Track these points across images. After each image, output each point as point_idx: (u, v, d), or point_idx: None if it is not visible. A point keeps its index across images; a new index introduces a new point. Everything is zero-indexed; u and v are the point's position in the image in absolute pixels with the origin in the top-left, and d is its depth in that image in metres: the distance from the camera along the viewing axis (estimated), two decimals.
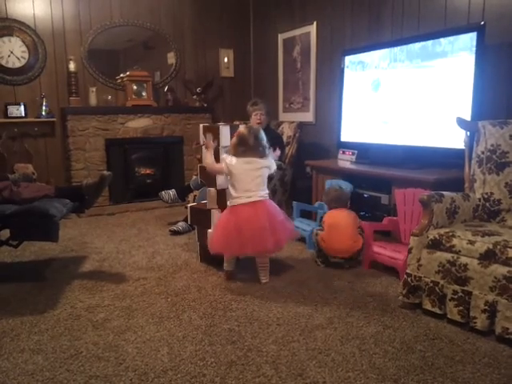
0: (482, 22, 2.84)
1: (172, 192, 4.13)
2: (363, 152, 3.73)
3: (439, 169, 3.05)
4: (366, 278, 2.72)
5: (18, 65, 4.42)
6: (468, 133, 2.64)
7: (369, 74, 3.67)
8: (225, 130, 2.79)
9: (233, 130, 2.77)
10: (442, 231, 2.21)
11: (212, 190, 2.82)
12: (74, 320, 2.20)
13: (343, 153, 3.94)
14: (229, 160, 2.56)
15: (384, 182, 3.18)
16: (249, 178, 2.54)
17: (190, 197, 4.08)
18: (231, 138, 2.70)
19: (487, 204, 2.47)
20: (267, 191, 2.63)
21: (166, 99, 5.10)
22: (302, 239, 3.42)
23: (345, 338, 2.00)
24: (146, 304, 2.38)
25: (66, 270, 2.93)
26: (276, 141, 4.24)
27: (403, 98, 3.38)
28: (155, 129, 4.94)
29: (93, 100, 4.69)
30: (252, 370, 1.76)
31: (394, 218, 2.93)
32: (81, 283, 2.68)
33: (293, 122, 4.59)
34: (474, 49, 2.85)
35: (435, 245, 2.19)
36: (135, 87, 4.82)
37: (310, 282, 2.66)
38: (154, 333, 2.06)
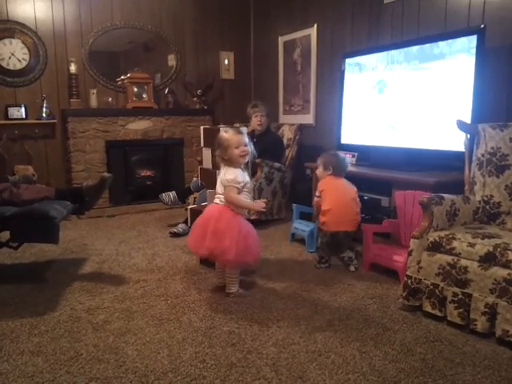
0: (482, 25, 2.85)
1: (172, 194, 4.13)
2: (363, 154, 3.74)
3: (439, 171, 3.05)
4: (365, 280, 2.72)
5: (18, 67, 4.42)
6: (468, 135, 2.64)
7: (369, 77, 3.68)
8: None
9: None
10: (442, 234, 2.21)
11: (212, 191, 2.82)
12: (73, 322, 2.20)
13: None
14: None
15: (384, 184, 3.18)
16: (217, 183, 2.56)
17: (190, 199, 4.09)
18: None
19: (487, 206, 2.47)
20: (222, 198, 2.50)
21: (167, 101, 5.11)
22: (301, 240, 3.42)
23: (345, 341, 1.99)
24: (145, 306, 2.38)
25: (66, 271, 2.93)
26: (274, 145, 4.26)
27: (403, 101, 3.38)
28: (155, 131, 4.95)
29: (93, 102, 4.69)
30: (252, 373, 1.75)
31: (394, 220, 2.93)
32: (81, 285, 2.68)
33: (293, 125, 4.60)
34: (474, 51, 2.85)
35: (435, 247, 2.19)
36: (136, 89, 4.82)
37: (310, 284, 2.66)
38: (154, 335, 2.06)
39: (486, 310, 1.97)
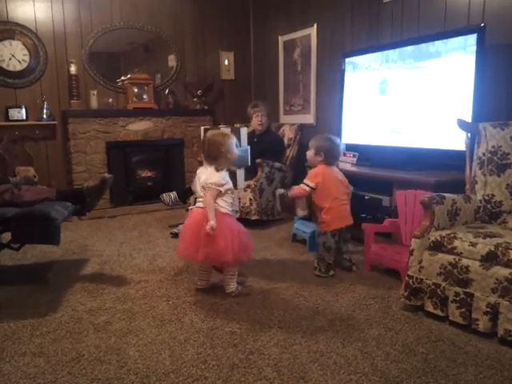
0: (482, 24, 2.85)
1: (173, 194, 4.13)
2: (364, 154, 3.73)
3: (440, 170, 3.05)
4: (367, 280, 2.72)
5: (19, 68, 4.42)
6: (469, 134, 2.64)
7: (369, 77, 3.67)
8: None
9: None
10: (443, 233, 2.21)
11: None
12: (75, 323, 2.20)
13: (344, 155, 3.93)
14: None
15: (385, 183, 3.18)
16: (197, 186, 2.48)
17: (191, 199, 4.08)
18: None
19: (488, 206, 2.47)
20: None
21: (167, 102, 5.11)
22: (302, 241, 3.42)
23: (346, 341, 1.99)
24: (147, 307, 2.38)
25: (67, 272, 2.93)
26: (275, 145, 4.26)
27: (404, 101, 3.38)
28: (156, 131, 4.95)
29: (94, 103, 4.69)
30: (254, 373, 1.75)
31: (395, 219, 2.92)
32: (82, 286, 2.68)
33: (293, 124, 4.60)
34: (474, 50, 2.85)
35: (437, 247, 2.19)
36: (136, 90, 4.82)
37: (311, 284, 2.66)
38: (156, 336, 2.06)
39: (488, 309, 1.97)
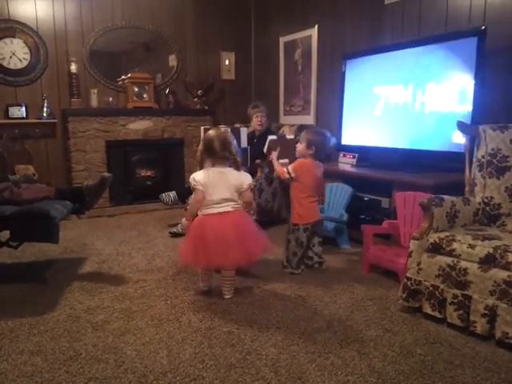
0: (483, 27, 2.85)
1: (172, 194, 4.13)
2: (364, 155, 3.74)
3: (439, 172, 3.05)
4: (365, 281, 2.72)
5: (19, 66, 4.43)
6: (468, 137, 2.64)
7: (369, 78, 3.67)
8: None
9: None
10: (442, 235, 2.21)
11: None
12: (73, 322, 2.20)
13: (344, 156, 3.94)
14: (198, 177, 2.38)
15: (384, 185, 3.18)
16: (217, 189, 2.35)
17: (191, 199, 4.08)
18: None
19: (487, 208, 2.47)
20: (238, 201, 2.42)
21: (167, 101, 5.11)
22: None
23: (344, 342, 1.99)
24: (145, 306, 2.38)
25: (65, 271, 2.93)
26: None
27: (404, 101, 3.38)
28: (156, 131, 4.95)
29: (94, 101, 4.69)
30: (251, 373, 1.75)
31: (394, 221, 2.92)
32: (80, 285, 2.68)
33: (293, 125, 4.60)
34: (475, 53, 2.85)
35: (435, 249, 2.19)
36: (136, 89, 4.82)
37: (310, 285, 2.66)
38: (154, 335, 2.06)
39: (486, 311, 1.97)
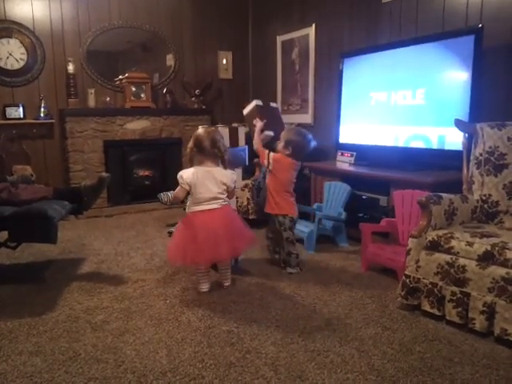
0: (480, 25, 2.86)
1: (170, 194, 4.12)
2: (362, 154, 3.74)
3: (437, 170, 3.06)
4: (364, 279, 2.72)
5: (16, 66, 4.41)
6: (466, 135, 2.65)
7: (367, 76, 3.68)
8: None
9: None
10: (440, 233, 2.21)
11: None
12: (72, 322, 2.20)
13: (342, 154, 3.94)
14: (185, 175, 2.44)
15: (382, 183, 3.19)
16: (206, 187, 2.43)
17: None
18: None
19: (485, 206, 2.47)
20: (225, 198, 2.51)
21: (165, 101, 5.10)
22: (300, 240, 3.42)
23: (344, 340, 2.00)
24: (144, 306, 2.38)
25: (64, 271, 2.92)
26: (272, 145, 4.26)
27: (402, 100, 3.39)
28: (154, 130, 4.94)
29: (91, 101, 4.69)
30: (251, 372, 1.75)
31: (393, 219, 2.93)
32: (79, 285, 2.67)
33: (291, 124, 4.59)
34: (472, 51, 2.86)
35: (434, 246, 2.20)
36: (134, 89, 4.82)
37: (309, 283, 2.66)
38: (153, 335, 2.06)
39: (485, 308, 1.98)
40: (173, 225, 3.87)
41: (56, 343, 1.99)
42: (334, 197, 3.46)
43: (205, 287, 2.55)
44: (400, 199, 2.86)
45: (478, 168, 2.55)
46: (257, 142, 2.87)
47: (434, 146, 3.13)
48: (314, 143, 2.89)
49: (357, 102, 3.80)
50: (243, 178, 3.37)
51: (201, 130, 2.54)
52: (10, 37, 4.35)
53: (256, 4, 5.50)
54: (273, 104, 3.31)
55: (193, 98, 5.22)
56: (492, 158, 2.49)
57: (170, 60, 5.22)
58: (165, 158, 5.12)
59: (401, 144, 3.40)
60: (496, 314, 1.94)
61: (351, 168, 3.63)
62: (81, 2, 4.64)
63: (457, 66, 2.99)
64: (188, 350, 1.92)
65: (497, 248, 1.98)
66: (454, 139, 2.88)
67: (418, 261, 2.25)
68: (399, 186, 2.95)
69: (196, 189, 2.44)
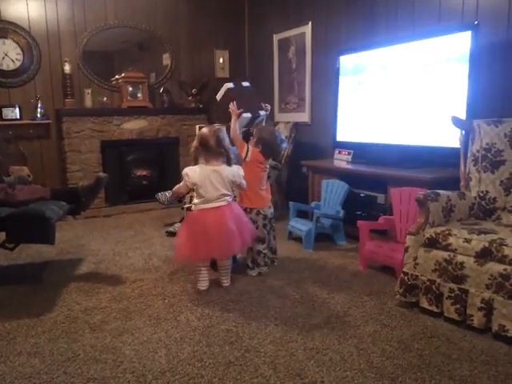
0: (477, 22, 2.86)
1: (168, 193, 4.12)
2: (359, 152, 3.74)
3: (435, 168, 3.06)
4: (362, 277, 2.73)
5: (12, 67, 4.40)
6: (463, 132, 2.65)
7: (363, 74, 3.68)
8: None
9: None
10: (438, 230, 2.21)
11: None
12: (70, 322, 2.20)
13: (339, 153, 3.94)
14: (191, 174, 2.48)
15: (380, 181, 3.19)
16: (213, 186, 2.46)
17: (187, 198, 4.08)
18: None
19: (483, 202, 2.48)
20: (232, 195, 2.57)
21: (162, 100, 5.10)
22: (298, 239, 3.42)
23: (342, 338, 2.00)
24: (143, 306, 2.37)
25: (62, 272, 2.92)
26: None
27: (398, 97, 3.39)
28: (151, 130, 4.94)
29: (88, 102, 4.68)
30: (250, 371, 1.76)
31: (390, 217, 2.93)
32: (77, 285, 2.67)
33: (288, 123, 4.60)
34: (469, 47, 2.86)
35: (432, 243, 2.20)
36: (130, 89, 4.81)
37: (307, 281, 2.67)
38: (152, 334, 2.06)
39: (483, 305, 1.98)
40: (171, 224, 3.87)
41: (54, 344, 1.99)
42: (331, 195, 3.46)
43: (204, 285, 2.56)
44: (398, 197, 2.86)
45: (475, 165, 2.55)
46: (234, 130, 2.80)
47: (431, 143, 3.13)
48: (285, 144, 2.95)
49: (354, 99, 3.80)
50: None
51: (205, 129, 2.55)
52: (6, 37, 4.34)
53: (252, 2, 5.49)
54: (244, 83, 3.16)
55: (189, 98, 5.21)
56: (489, 155, 2.50)
57: (166, 59, 5.21)
58: (162, 158, 5.12)
59: (398, 142, 3.39)
60: (494, 310, 1.95)
61: (349, 166, 3.63)
62: (76, 1, 4.62)
63: (453, 63, 2.98)
64: (187, 349, 1.92)
65: (494, 245, 1.98)
66: (451, 136, 2.88)
67: (415, 258, 2.25)
68: (397, 184, 2.95)
69: (202, 189, 2.47)
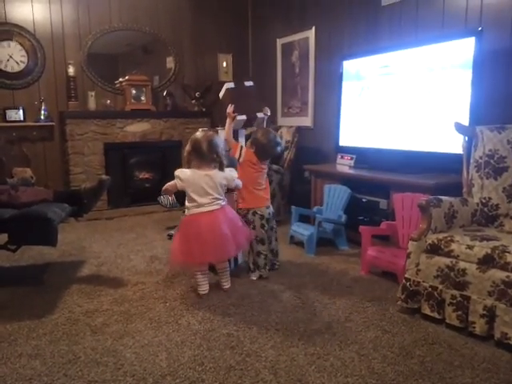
0: (480, 28, 2.86)
1: (171, 196, 4.12)
2: (362, 157, 3.74)
3: (437, 173, 3.06)
4: (364, 282, 2.72)
5: (16, 69, 4.42)
6: (466, 138, 2.65)
7: (366, 79, 3.68)
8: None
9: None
10: (440, 236, 2.21)
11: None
12: (72, 325, 2.20)
13: (342, 157, 3.94)
14: (182, 176, 2.46)
15: (382, 186, 3.19)
16: (204, 191, 2.44)
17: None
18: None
19: (485, 209, 2.47)
20: (224, 199, 2.54)
21: (165, 104, 5.11)
22: (300, 243, 3.42)
23: (344, 343, 1.99)
24: (144, 309, 2.37)
25: (64, 274, 2.92)
26: None
27: (402, 103, 3.39)
28: (154, 133, 4.95)
29: (92, 104, 4.69)
30: (251, 376, 1.75)
31: (393, 222, 2.93)
32: (79, 288, 2.67)
33: (291, 127, 4.61)
34: (472, 53, 2.86)
35: (434, 250, 2.20)
36: (134, 91, 4.82)
37: (309, 286, 2.66)
38: (153, 338, 2.06)
39: (485, 312, 1.98)
40: (173, 227, 3.87)
41: (55, 346, 1.99)
42: (333, 200, 3.46)
43: (204, 289, 2.55)
44: (400, 202, 2.86)
45: (477, 171, 2.55)
46: (227, 132, 2.82)
47: (434, 149, 3.13)
48: (280, 148, 2.90)
49: (357, 104, 3.80)
50: None
51: (199, 133, 2.53)
52: (11, 39, 4.36)
53: (256, 7, 5.51)
54: (247, 83, 3.11)
55: (193, 101, 5.23)
56: (492, 161, 2.49)
57: (170, 62, 5.23)
58: (165, 161, 5.12)
59: (400, 147, 3.39)
60: (496, 317, 1.94)
61: (351, 171, 3.63)
62: (81, 5, 4.65)
63: (456, 69, 2.98)
64: (188, 353, 1.92)
65: (497, 251, 1.98)
66: (454, 142, 2.88)
67: (418, 264, 2.25)
68: (399, 189, 2.94)
69: (194, 193, 2.45)
